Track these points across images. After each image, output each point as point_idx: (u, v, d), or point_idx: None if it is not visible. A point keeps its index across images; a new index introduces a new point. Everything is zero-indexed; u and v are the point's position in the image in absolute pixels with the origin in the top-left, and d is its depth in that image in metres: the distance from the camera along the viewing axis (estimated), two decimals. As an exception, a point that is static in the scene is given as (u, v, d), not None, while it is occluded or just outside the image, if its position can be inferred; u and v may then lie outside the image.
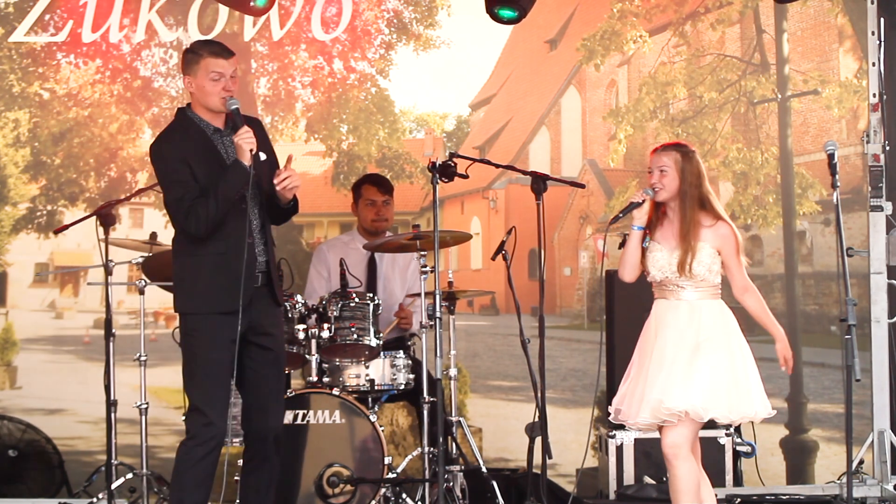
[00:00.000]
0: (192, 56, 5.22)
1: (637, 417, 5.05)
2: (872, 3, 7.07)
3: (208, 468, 5.10)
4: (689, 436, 5.02)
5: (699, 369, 4.98)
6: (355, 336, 6.17)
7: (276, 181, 5.12)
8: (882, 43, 7.00)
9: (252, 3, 6.87)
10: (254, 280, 5.19)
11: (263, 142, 5.25)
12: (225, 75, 5.16)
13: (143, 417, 6.38)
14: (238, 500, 5.45)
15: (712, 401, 4.96)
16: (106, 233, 6.12)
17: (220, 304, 5.10)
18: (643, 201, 5.16)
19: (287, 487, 6.01)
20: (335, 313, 6.17)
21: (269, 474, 5.33)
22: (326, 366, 6.29)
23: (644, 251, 5.18)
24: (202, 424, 5.11)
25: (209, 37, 8.14)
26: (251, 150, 5.04)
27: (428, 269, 5.90)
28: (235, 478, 5.67)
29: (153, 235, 6.64)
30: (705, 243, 5.09)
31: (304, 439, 6.05)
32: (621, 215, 5.23)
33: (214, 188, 5.07)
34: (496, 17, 7.09)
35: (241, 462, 5.53)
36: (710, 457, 6.66)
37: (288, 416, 6.01)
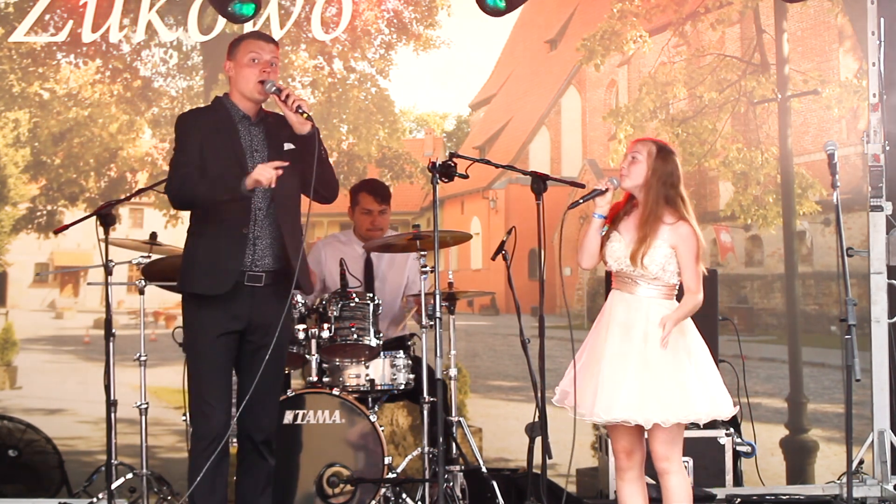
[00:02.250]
0: (236, 41, 5.28)
1: (592, 417, 5.02)
2: (872, 3, 7.07)
3: (214, 462, 5.08)
4: (675, 445, 4.98)
5: (646, 374, 4.91)
6: (355, 336, 6.17)
7: (285, 105, 5.07)
8: (882, 43, 7.00)
9: (230, 8, 6.87)
10: (256, 280, 5.19)
11: (283, 132, 5.24)
12: (262, 59, 5.17)
13: (143, 417, 6.38)
14: (235, 501, 5.44)
15: (657, 406, 4.87)
16: (106, 233, 6.12)
17: (202, 286, 5.13)
18: (606, 189, 5.11)
19: (287, 487, 6.01)
20: (335, 313, 6.17)
21: (264, 476, 5.33)
22: (326, 366, 6.29)
23: (604, 240, 5.15)
24: (199, 417, 5.15)
25: (209, 37, 8.15)
26: (264, 181, 4.98)
27: (428, 269, 5.89)
28: (235, 478, 5.69)
29: (153, 235, 6.63)
30: (662, 241, 4.98)
31: (304, 439, 6.05)
32: (581, 201, 5.15)
33: (213, 183, 5.06)
34: (485, 8, 7.07)
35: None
36: (710, 457, 6.66)
37: (288, 416, 6.02)
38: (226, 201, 5.07)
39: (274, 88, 5.11)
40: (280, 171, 4.97)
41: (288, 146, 5.19)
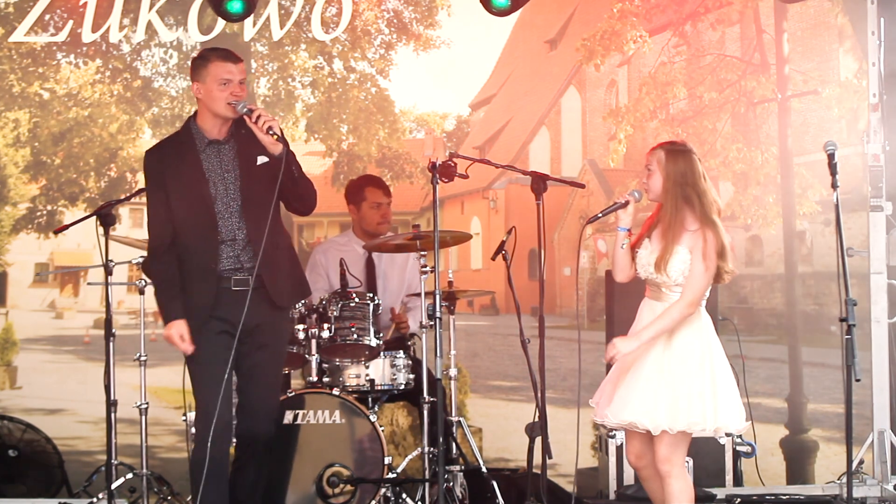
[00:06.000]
0: (201, 62, 5.26)
1: (604, 420, 5.05)
2: (872, 3, 7.06)
3: (214, 466, 5.12)
4: (678, 449, 4.99)
5: (662, 380, 4.92)
6: (355, 336, 6.17)
7: (256, 126, 5.11)
8: (882, 43, 6.99)
9: (223, 7, 6.86)
10: (243, 284, 5.21)
11: (257, 145, 5.25)
12: (233, 81, 5.20)
13: (143, 417, 6.38)
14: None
15: (668, 413, 4.89)
16: (106, 233, 6.12)
17: (188, 315, 5.20)
18: (626, 202, 5.13)
19: (287, 487, 6.01)
20: (335, 313, 6.18)
21: (254, 475, 5.35)
22: (326, 366, 6.29)
23: (635, 249, 5.16)
24: (201, 424, 5.15)
25: (209, 37, 8.15)
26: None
27: (428, 269, 5.90)
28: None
29: (153, 235, 6.62)
30: (682, 246, 4.98)
31: (304, 439, 6.05)
32: (601, 214, 5.20)
33: (165, 298, 5.23)
34: (489, 7, 7.07)
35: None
36: (710, 457, 6.66)
37: (288, 416, 6.02)
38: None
39: (245, 109, 5.14)
40: (187, 349, 5.14)
41: (262, 160, 5.21)
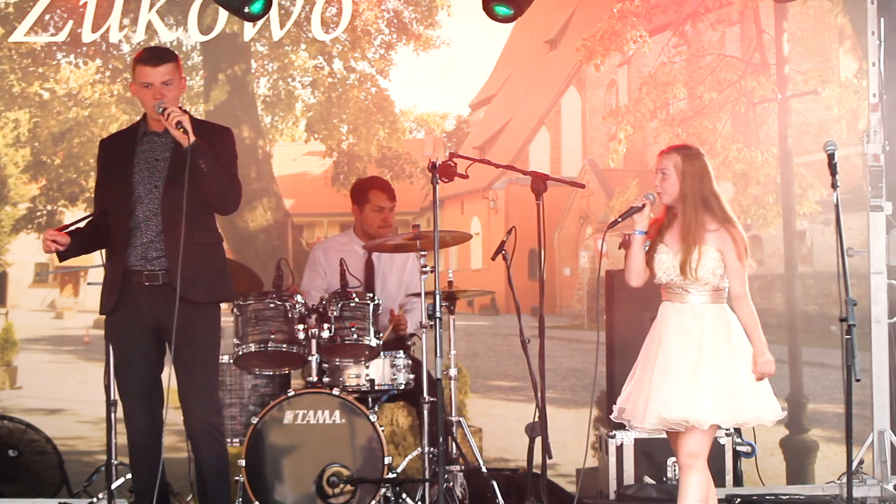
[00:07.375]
0: (134, 61, 5.45)
1: (643, 422, 5.06)
2: (872, 3, 7.07)
3: (137, 458, 5.36)
4: (705, 445, 5.03)
5: (701, 376, 4.98)
6: (355, 336, 6.17)
7: (166, 120, 5.24)
8: (882, 43, 6.99)
9: (246, 9, 6.87)
10: (153, 279, 5.31)
11: (213, 145, 5.36)
12: (153, 84, 5.33)
13: (143, 417, 6.37)
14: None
15: (714, 408, 4.96)
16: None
17: (102, 306, 5.44)
18: (643, 206, 5.16)
19: (287, 487, 6.01)
20: (335, 313, 6.18)
21: (206, 467, 5.40)
22: (326, 366, 6.30)
23: (651, 254, 5.17)
24: (125, 420, 5.44)
25: (209, 37, 8.16)
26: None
27: (428, 269, 5.90)
28: (237, 478, 5.76)
29: (153, 235, 6.62)
30: (710, 246, 5.06)
31: (304, 439, 6.05)
32: (620, 219, 5.23)
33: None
34: (492, 14, 7.08)
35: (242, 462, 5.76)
36: (710, 457, 6.63)
37: (288, 416, 6.03)
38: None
39: (160, 109, 5.28)
40: (54, 243, 5.26)
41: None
